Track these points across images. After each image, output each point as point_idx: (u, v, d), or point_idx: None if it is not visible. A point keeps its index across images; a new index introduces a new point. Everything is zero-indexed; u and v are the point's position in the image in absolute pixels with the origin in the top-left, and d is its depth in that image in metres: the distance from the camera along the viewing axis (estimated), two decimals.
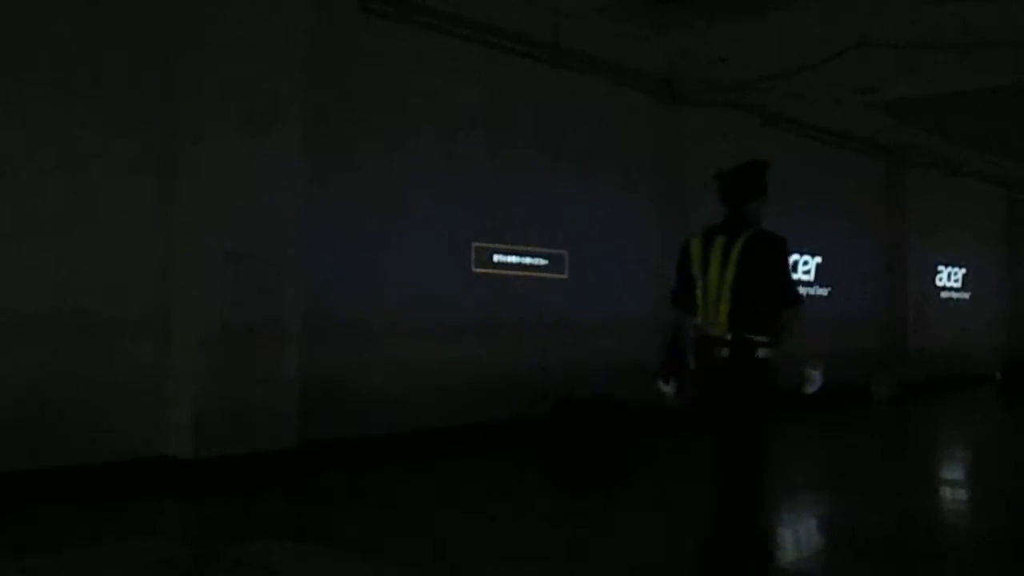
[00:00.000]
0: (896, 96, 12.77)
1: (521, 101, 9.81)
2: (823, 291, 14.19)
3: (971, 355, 18.03)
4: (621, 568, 5.22)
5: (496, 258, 9.61)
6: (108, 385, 6.70)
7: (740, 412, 4.14)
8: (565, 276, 10.26)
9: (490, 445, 9.02)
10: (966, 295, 18.44)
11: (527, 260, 9.91)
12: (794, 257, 13.68)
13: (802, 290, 13.90)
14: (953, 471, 9.73)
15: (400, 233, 8.67)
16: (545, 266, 10.08)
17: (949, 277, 18.00)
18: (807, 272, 13.97)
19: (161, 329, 6.96)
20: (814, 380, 4.09)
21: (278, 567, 4.98)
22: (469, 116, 9.33)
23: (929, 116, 13.96)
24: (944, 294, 17.84)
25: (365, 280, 8.37)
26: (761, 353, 4.08)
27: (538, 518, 6.52)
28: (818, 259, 14.12)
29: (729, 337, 4.10)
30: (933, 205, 16.46)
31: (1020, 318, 20.20)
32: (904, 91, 12.48)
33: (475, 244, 9.41)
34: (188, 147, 7.01)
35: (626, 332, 10.98)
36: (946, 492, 8.38)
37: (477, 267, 9.43)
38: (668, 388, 4.38)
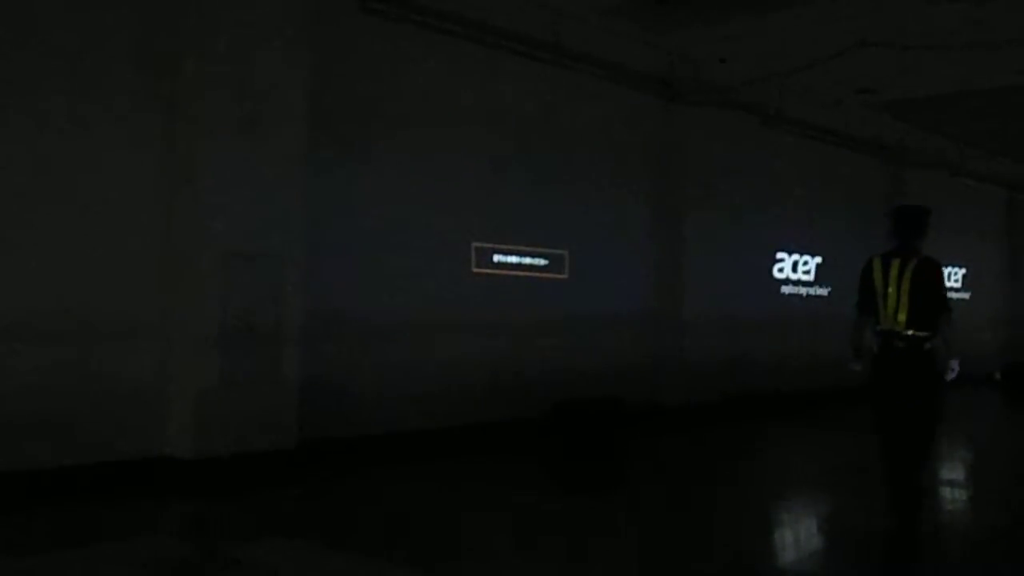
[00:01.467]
0: (896, 96, 12.77)
1: (521, 101, 9.81)
2: (823, 291, 14.17)
3: (971, 355, 17.98)
4: (621, 568, 5.22)
5: (496, 258, 9.60)
6: (109, 385, 6.69)
7: (915, 389, 5.72)
8: (565, 276, 10.26)
9: (490, 445, 9.01)
10: (966, 295, 18.44)
11: (527, 260, 9.91)
12: (794, 257, 13.69)
13: (803, 290, 13.99)
14: (959, 472, 9.73)
15: (400, 233, 8.66)
16: (545, 266, 10.08)
17: (949, 277, 18.00)
18: (807, 272, 13.96)
19: (162, 329, 6.95)
20: (953, 369, 5.79)
21: (278, 567, 4.99)
22: (469, 116, 9.32)
23: (929, 116, 13.96)
24: None
25: (365, 280, 8.37)
26: (927, 345, 5.71)
27: (538, 518, 6.51)
28: (818, 259, 14.11)
29: (907, 333, 5.69)
30: (933, 205, 16.41)
31: (1020, 318, 20.19)
32: (904, 91, 12.48)
33: (475, 244, 9.41)
34: (188, 147, 7.00)
35: (626, 332, 10.99)
36: (948, 493, 8.38)
37: (477, 267, 9.43)
38: (858, 367, 6.01)
